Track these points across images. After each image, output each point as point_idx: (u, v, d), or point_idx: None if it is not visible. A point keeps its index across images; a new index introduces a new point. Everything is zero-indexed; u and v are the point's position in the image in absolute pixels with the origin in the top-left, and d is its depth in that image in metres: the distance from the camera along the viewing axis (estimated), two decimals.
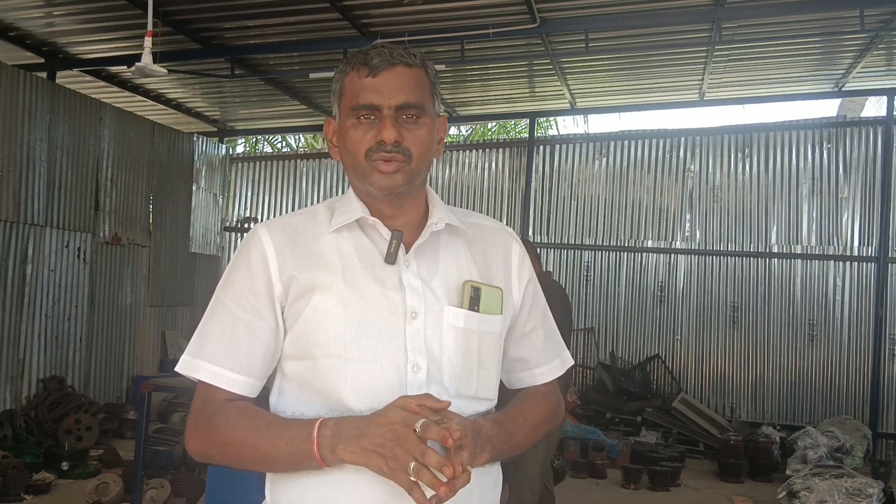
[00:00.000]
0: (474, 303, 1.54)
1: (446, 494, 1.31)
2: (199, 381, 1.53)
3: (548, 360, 1.73)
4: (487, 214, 9.89)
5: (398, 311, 1.49)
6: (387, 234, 1.54)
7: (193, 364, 1.52)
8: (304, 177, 12.50)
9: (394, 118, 1.48)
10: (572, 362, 1.81)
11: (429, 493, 1.33)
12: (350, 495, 1.44)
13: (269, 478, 1.57)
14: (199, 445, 1.51)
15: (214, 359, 1.51)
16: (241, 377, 1.51)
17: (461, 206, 11.56)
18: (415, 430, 1.31)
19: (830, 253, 10.31)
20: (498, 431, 1.50)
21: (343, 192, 1.66)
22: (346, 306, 1.47)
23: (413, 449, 1.31)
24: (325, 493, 1.46)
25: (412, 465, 1.29)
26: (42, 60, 9.23)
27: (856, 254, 10.22)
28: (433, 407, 1.36)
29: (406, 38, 8.12)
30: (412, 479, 1.30)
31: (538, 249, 9.27)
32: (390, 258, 1.52)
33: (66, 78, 9.65)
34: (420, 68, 1.53)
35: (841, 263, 10.27)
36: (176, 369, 1.57)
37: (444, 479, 1.29)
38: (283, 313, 1.52)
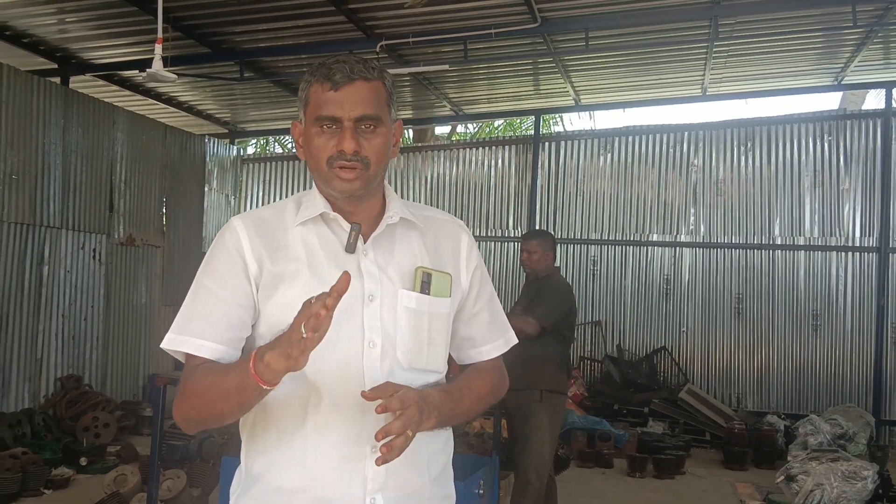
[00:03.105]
0: (425, 287, 1.72)
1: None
2: (185, 354, 1.69)
3: (493, 339, 1.92)
4: (494, 210, 10.12)
5: (357, 295, 1.66)
6: (347, 226, 1.71)
7: (179, 340, 1.68)
8: None
9: (353, 129, 1.65)
10: (516, 341, 1.99)
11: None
12: (315, 454, 1.64)
13: (243, 443, 1.76)
14: (178, 408, 1.67)
15: (199, 333, 1.67)
16: (222, 346, 1.67)
17: (470, 204, 11.78)
18: (310, 302, 1.41)
19: (832, 244, 10.44)
20: (445, 400, 1.68)
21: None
22: (311, 291, 1.59)
23: (302, 314, 1.40)
24: (291, 455, 1.66)
25: (303, 325, 1.40)
26: (55, 66, 9.43)
27: (857, 244, 10.35)
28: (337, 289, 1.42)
29: (410, 40, 8.30)
30: (304, 337, 1.39)
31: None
32: (350, 248, 1.69)
33: (79, 83, 9.84)
34: (378, 80, 1.69)
35: (843, 254, 10.40)
36: (161, 346, 1.72)
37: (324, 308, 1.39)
38: (257, 292, 1.69)
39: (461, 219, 11.38)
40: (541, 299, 5.29)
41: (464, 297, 1.85)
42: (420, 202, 12.47)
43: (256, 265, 1.68)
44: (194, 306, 1.70)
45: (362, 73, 1.66)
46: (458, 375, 1.86)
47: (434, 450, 1.77)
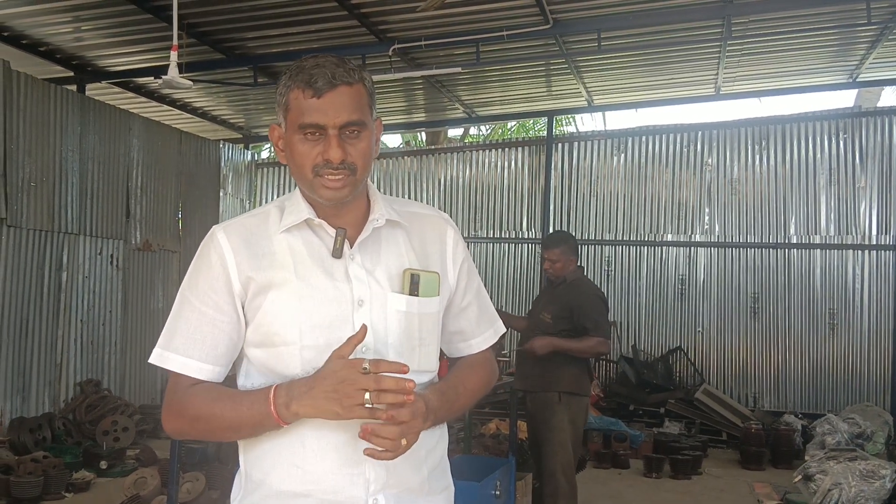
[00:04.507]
0: (414, 288, 1.72)
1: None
2: (169, 370, 1.70)
3: (482, 332, 1.93)
4: (508, 212, 10.12)
5: (347, 301, 1.67)
6: (332, 231, 1.70)
7: (164, 356, 1.70)
8: None
9: (338, 136, 1.63)
10: (504, 331, 2.00)
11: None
12: (314, 459, 1.65)
13: (241, 449, 1.76)
14: (174, 424, 1.70)
15: (183, 350, 1.68)
16: (207, 366, 1.69)
17: (484, 205, 11.80)
18: (364, 369, 1.50)
19: (849, 242, 10.40)
20: (441, 402, 1.70)
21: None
22: (300, 299, 1.65)
23: (364, 383, 1.50)
24: (291, 460, 1.67)
25: (367, 395, 1.49)
26: (72, 74, 9.51)
27: (874, 242, 10.32)
28: (389, 368, 1.54)
29: (423, 43, 8.34)
30: (369, 406, 1.49)
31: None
32: (336, 253, 1.69)
33: (95, 90, 9.93)
34: (359, 83, 1.66)
35: (859, 252, 10.36)
36: (149, 361, 1.73)
37: (405, 398, 1.51)
38: (243, 308, 1.70)
39: (476, 221, 11.32)
40: (586, 312, 5.24)
41: (452, 293, 1.84)
42: (434, 204, 12.49)
43: (240, 283, 1.68)
44: (178, 322, 1.70)
45: (344, 77, 1.63)
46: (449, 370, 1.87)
47: (430, 445, 1.78)
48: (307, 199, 1.73)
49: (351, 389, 1.49)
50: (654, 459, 8.03)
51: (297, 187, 1.77)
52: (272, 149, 19.51)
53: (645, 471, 8.00)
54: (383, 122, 1.82)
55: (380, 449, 1.55)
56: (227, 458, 6.72)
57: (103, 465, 7.34)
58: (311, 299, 1.66)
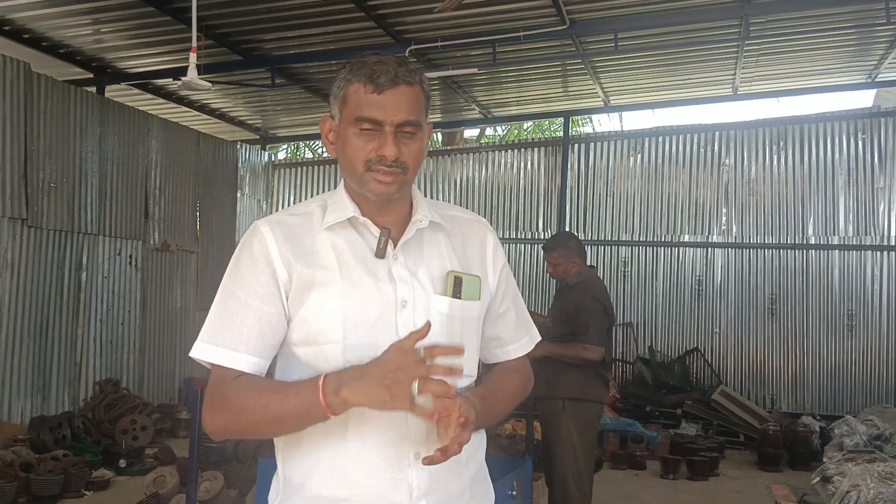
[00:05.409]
0: (457, 291, 1.71)
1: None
2: (213, 364, 1.67)
3: (519, 338, 1.91)
4: (524, 213, 10.11)
5: (390, 301, 1.65)
6: (376, 231, 1.69)
7: (210, 350, 1.66)
8: None
9: (395, 134, 1.63)
10: (539, 338, 1.98)
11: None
12: (357, 461, 1.63)
13: (280, 451, 1.74)
14: (217, 419, 1.64)
15: (229, 343, 1.65)
16: (254, 358, 1.65)
17: (500, 206, 11.80)
18: (419, 357, 1.47)
19: (867, 243, 10.35)
20: (484, 406, 1.67)
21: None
22: (344, 298, 1.64)
23: (415, 370, 1.47)
24: (332, 462, 1.64)
25: (415, 384, 1.45)
26: (91, 76, 9.60)
27: (893, 243, 10.25)
28: (444, 352, 1.52)
29: (439, 44, 8.36)
30: (416, 395, 1.46)
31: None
32: (380, 253, 1.68)
33: (114, 92, 10.01)
34: (418, 85, 1.66)
35: (878, 253, 10.30)
36: (191, 355, 1.69)
37: (449, 387, 1.49)
38: (287, 299, 1.67)
39: (492, 221, 11.32)
40: (582, 319, 5.06)
41: (491, 298, 1.83)
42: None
43: (286, 272, 1.65)
44: (224, 315, 1.67)
45: (406, 77, 1.64)
46: (486, 375, 1.85)
47: (471, 450, 1.75)
48: (352, 197, 1.72)
49: (402, 376, 1.46)
50: (670, 461, 8.01)
51: (341, 184, 1.76)
52: (288, 150, 19.67)
53: (662, 472, 7.98)
54: None
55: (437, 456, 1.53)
56: (245, 456, 6.77)
57: (122, 463, 7.39)
58: (354, 298, 1.64)
